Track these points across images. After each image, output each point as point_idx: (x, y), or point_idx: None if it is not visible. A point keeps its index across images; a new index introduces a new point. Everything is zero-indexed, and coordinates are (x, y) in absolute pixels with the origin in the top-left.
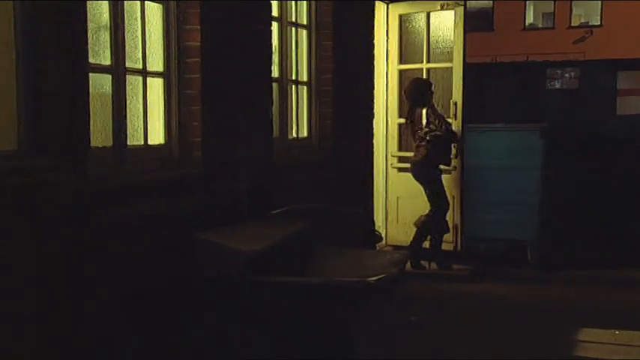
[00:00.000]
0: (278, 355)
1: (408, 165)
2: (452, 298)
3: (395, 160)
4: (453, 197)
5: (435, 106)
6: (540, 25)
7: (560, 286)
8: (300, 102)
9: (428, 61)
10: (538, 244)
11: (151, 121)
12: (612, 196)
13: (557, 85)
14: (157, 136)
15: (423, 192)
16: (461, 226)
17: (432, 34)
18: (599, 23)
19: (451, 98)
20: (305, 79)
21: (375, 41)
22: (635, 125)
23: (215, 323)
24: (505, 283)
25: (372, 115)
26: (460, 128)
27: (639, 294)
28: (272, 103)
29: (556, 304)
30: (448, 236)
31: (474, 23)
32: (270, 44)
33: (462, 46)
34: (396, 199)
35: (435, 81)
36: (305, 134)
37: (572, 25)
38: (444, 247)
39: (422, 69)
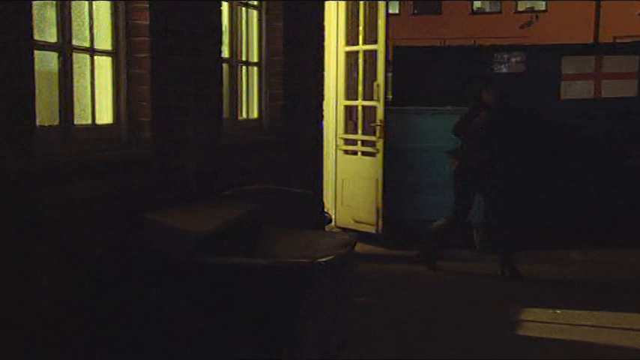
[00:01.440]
0: (226, 336)
1: (354, 147)
2: (399, 279)
3: (342, 142)
4: (377, 180)
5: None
6: (488, 10)
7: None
8: (251, 83)
9: (364, 43)
10: (483, 226)
11: (99, 100)
12: (555, 179)
13: (504, 69)
14: (105, 115)
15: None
16: (383, 209)
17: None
18: (544, 9)
19: (375, 80)
20: (255, 59)
21: (326, 23)
22: (578, 109)
23: (163, 304)
24: (450, 264)
25: (321, 97)
26: (382, 110)
27: (579, 274)
28: (222, 84)
29: (500, 285)
30: (371, 218)
31: (422, 7)
32: (220, 24)
33: (384, 29)
34: (342, 182)
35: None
36: (255, 115)
37: (519, 10)
38: (365, 228)
39: (359, 51)
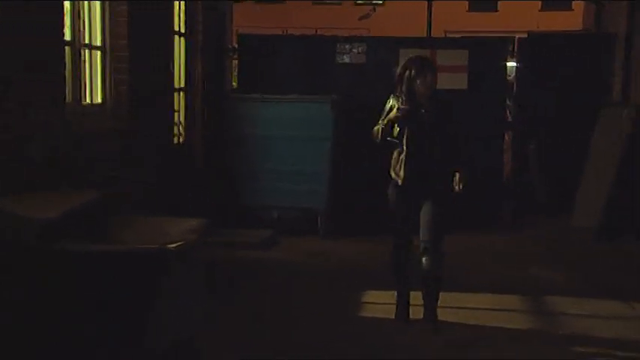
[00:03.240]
0: (76, 323)
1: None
2: (247, 265)
3: None
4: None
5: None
6: (328, 0)
7: (346, 252)
8: (95, 67)
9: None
10: (328, 213)
11: None
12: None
13: (347, 60)
14: None
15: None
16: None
17: None
18: (381, 2)
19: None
20: (99, 43)
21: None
22: None
23: (9, 292)
24: (296, 250)
25: (172, 85)
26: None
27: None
28: (64, 67)
29: (343, 269)
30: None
31: None
32: (62, 6)
33: (200, 18)
34: None
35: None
36: (99, 100)
37: (358, 2)
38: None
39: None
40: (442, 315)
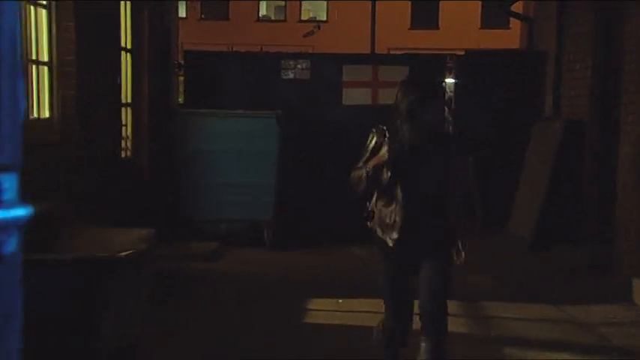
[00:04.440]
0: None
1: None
2: (193, 276)
3: None
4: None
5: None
6: (273, 17)
7: (292, 263)
8: (42, 83)
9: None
10: (273, 225)
11: None
12: (336, 180)
13: (291, 76)
14: None
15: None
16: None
17: None
18: (325, 19)
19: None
20: (46, 59)
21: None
22: (358, 114)
23: None
24: (242, 262)
25: (120, 100)
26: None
27: (360, 267)
28: None
29: (289, 279)
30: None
31: (210, 12)
32: None
33: (147, 35)
34: None
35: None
36: (47, 115)
37: (302, 19)
38: None
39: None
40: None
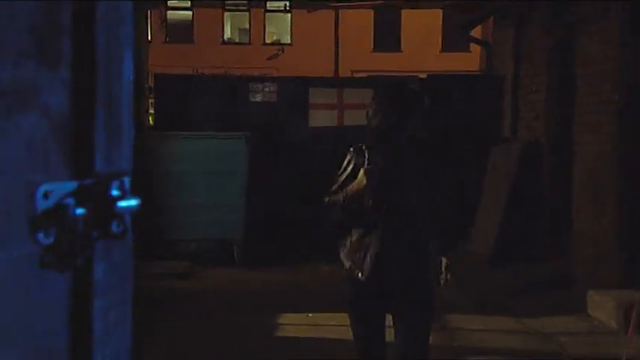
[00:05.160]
0: None
1: None
2: (166, 294)
3: None
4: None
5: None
6: (237, 40)
7: (262, 279)
8: None
9: None
10: (242, 243)
11: None
12: (303, 199)
13: (259, 98)
14: None
15: None
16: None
17: None
18: (289, 42)
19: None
20: None
21: None
22: (324, 136)
23: None
24: (214, 279)
25: None
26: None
27: (326, 282)
28: None
29: (259, 296)
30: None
31: (174, 35)
32: None
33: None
34: None
35: None
36: None
37: (266, 42)
38: None
39: None
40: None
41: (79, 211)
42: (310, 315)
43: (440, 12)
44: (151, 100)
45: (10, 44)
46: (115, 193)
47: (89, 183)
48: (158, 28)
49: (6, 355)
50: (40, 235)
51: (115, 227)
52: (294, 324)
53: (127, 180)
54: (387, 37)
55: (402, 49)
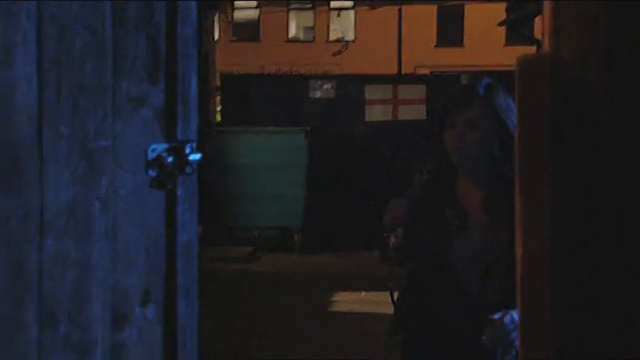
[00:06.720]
0: None
1: None
2: (231, 275)
3: None
4: None
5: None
6: (302, 38)
7: (320, 264)
8: None
9: None
10: (303, 231)
11: None
12: (360, 189)
13: (318, 95)
14: None
15: None
16: None
17: None
18: (353, 38)
19: None
20: None
21: None
22: (379, 130)
23: None
24: (275, 263)
25: None
26: None
27: (380, 268)
28: None
29: (317, 277)
30: None
31: (241, 34)
32: None
33: None
34: None
35: None
36: None
37: (330, 39)
38: None
39: None
40: None
41: (169, 159)
42: (363, 294)
43: (504, 5)
44: (218, 98)
45: (136, 74)
46: (187, 150)
47: (174, 144)
48: (226, 27)
49: (130, 275)
50: (150, 171)
51: (187, 169)
52: (347, 301)
53: (194, 144)
54: (450, 32)
55: (465, 43)
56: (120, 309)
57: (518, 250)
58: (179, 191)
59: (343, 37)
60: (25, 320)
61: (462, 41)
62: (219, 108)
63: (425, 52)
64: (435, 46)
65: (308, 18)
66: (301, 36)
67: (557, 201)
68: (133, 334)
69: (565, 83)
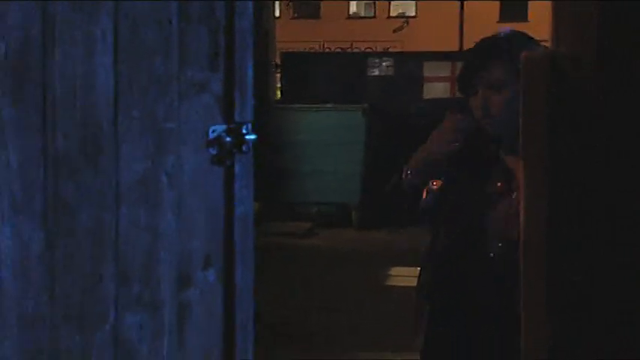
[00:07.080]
0: None
1: None
2: (290, 250)
3: None
4: None
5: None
6: (363, 14)
7: (377, 240)
8: None
9: None
10: (360, 207)
11: None
12: None
13: (377, 73)
14: None
15: None
16: None
17: None
18: (414, 14)
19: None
20: None
21: None
22: (437, 107)
23: None
24: (332, 238)
25: None
26: None
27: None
28: None
29: (374, 253)
30: None
31: (302, 10)
32: None
33: None
34: None
35: None
36: None
37: (391, 15)
38: None
39: None
40: None
41: (228, 139)
42: (419, 269)
43: None
44: (278, 75)
45: (199, 63)
46: (244, 131)
47: (232, 126)
48: (286, 4)
49: (194, 242)
50: (210, 149)
51: (244, 148)
52: (402, 275)
53: (250, 125)
54: (514, 6)
55: (530, 18)
56: (184, 272)
57: (521, 237)
58: (237, 168)
59: (404, 13)
60: (105, 278)
61: (527, 16)
62: (279, 85)
63: (488, 28)
64: (498, 21)
65: None
66: (362, 12)
67: (553, 198)
68: (196, 295)
69: (561, 82)
